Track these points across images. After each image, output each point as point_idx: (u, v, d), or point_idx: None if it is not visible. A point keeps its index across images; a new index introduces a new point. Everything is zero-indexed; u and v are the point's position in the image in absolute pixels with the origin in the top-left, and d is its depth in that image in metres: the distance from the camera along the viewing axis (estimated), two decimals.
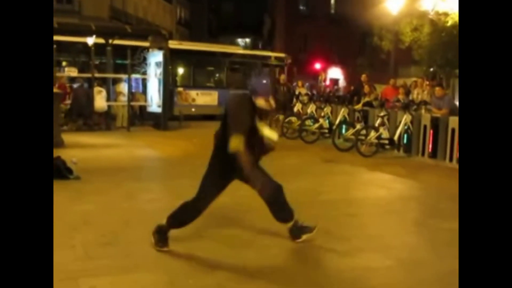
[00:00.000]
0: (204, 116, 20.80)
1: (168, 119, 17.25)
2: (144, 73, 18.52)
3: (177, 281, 4.32)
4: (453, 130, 11.25)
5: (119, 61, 19.46)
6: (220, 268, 4.59)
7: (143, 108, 18.84)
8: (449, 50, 24.05)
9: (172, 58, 17.96)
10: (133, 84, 18.62)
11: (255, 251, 5.08)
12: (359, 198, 7.61)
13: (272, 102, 4.74)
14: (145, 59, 18.52)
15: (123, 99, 17.55)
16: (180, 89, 20.67)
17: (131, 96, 17.49)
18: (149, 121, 17.94)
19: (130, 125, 16.69)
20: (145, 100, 18.33)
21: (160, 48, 17.16)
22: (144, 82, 18.99)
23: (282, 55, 23.88)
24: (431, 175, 10.11)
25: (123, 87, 17.73)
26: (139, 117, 18.97)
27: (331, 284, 4.37)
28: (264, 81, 4.79)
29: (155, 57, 17.58)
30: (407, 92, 15.20)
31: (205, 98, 21.35)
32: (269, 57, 23.67)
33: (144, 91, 18.86)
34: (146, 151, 12.18)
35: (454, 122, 11.28)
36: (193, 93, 21.06)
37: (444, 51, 24.45)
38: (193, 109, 20.73)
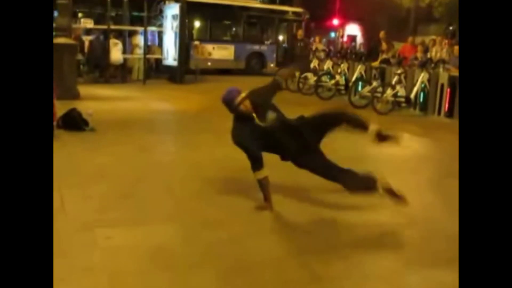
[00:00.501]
0: (220, 70, 20.73)
1: (184, 72, 17.20)
2: (160, 26, 18.41)
3: (191, 233, 4.37)
4: None
5: (135, 14, 19.33)
6: (234, 223, 4.64)
7: (159, 61, 18.79)
8: None
9: (188, 11, 17.79)
10: (149, 37, 18.51)
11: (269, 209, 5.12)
12: (373, 155, 7.59)
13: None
14: (161, 11, 18.38)
15: (139, 51, 17.49)
16: (197, 42, 20.54)
17: (147, 49, 17.42)
18: (165, 75, 17.90)
19: (146, 78, 16.67)
20: (161, 53, 18.26)
21: (177, 1, 17.01)
22: (160, 35, 18.88)
23: (300, 10, 23.55)
24: (447, 134, 10.04)
25: (139, 40, 17.65)
26: (155, 70, 18.95)
27: (343, 240, 4.41)
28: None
29: (172, 10, 17.42)
30: (426, 50, 14.98)
31: (221, 52, 21.22)
32: (287, 12, 23.35)
33: (160, 44, 18.78)
34: (162, 104, 12.20)
35: None
36: (209, 47, 20.90)
37: None
38: (209, 63, 20.62)
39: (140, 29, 17.59)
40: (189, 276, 3.62)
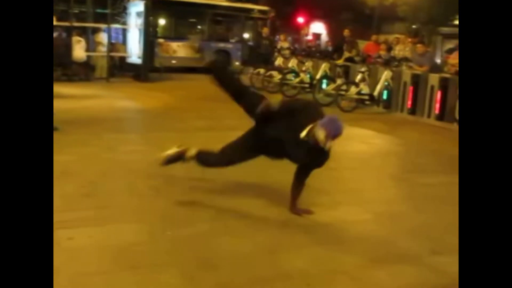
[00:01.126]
0: (186, 69, 20.62)
1: (149, 70, 17.06)
2: (125, 23, 18.22)
3: (155, 232, 4.34)
4: (432, 87, 11.32)
5: (99, 10, 19.08)
6: (199, 221, 4.62)
7: (123, 59, 18.59)
8: (433, 8, 23.99)
9: (153, 8, 17.66)
10: (113, 34, 18.30)
11: (236, 203, 5.11)
12: (339, 152, 7.61)
13: (328, 144, 4.31)
14: (125, 8, 18.19)
15: (103, 49, 17.27)
16: (161, 40, 20.39)
17: (111, 46, 17.22)
18: (129, 72, 17.72)
19: (110, 76, 16.48)
20: (125, 51, 18.09)
21: None
22: (125, 32, 18.70)
23: (265, 8, 23.57)
24: (410, 131, 10.20)
25: (103, 37, 17.42)
26: (119, 68, 18.73)
27: (310, 236, 4.43)
28: (339, 123, 4.35)
29: (136, 7, 17.26)
30: (389, 49, 15.17)
31: (186, 50, 21.12)
32: (253, 10, 23.34)
33: (124, 42, 18.60)
34: (126, 103, 12.07)
35: (434, 79, 11.34)
36: (174, 44, 20.79)
37: (429, 8, 24.38)
38: (174, 61, 20.49)
39: (103, 26, 17.37)
40: (154, 275, 3.58)
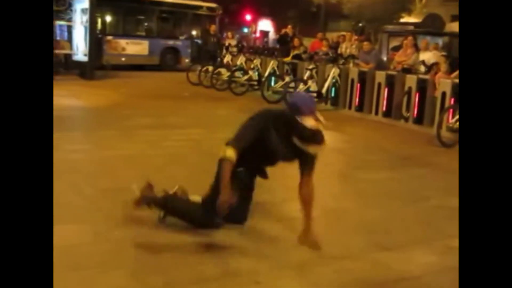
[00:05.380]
0: (134, 66, 20.43)
1: (96, 68, 16.77)
2: (69, 20, 17.85)
3: (100, 232, 4.25)
4: (379, 85, 11.48)
5: None
6: (145, 221, 4.53)
7: (68, 57, 18.22)
8: (378, 6, 24.35)
9: (100, 5, 17.42)
10: (58, 31, 17.91)
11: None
12: None
13: (321, 120, 3.84)
14: (70, 5, 17.81)
15: None
16: (109, 37, 20.11)
17: (55, 43, 16.83)
18: (74, 70, 17.38)
19: (54, 74, 16.10)
20: (70, 48, 17.74)
21: None
22: (70, 29, 18.32)
23: (213, 5, 23.51)
24: (357, 128, 10.32)
25: None
26: (64, 65, 18.34)
27: (256, 234, 4.41)
28: (307, 96, 3.86)
29: (81, 4, 16.95)
30: (333, 46, 15.36)
31: (135, 48, 20.91)
32: (201, 7, 23.25)
33: (70, 39, 18.22)
34: (71, 101, 11.82)
35: (380, 76, 11.50)
36: (122, 42, 20.56)
37: (373, 6, 24.73)
38: (123, 59, 20.29)
39: None
40: (99, 275, 3.51)
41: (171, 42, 21.97)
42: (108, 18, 21.58)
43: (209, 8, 23.25)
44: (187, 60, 21.39)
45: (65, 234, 4.15)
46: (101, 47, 19.47)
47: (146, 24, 22.57)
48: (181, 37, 22.53)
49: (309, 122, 3.74)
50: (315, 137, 3.77)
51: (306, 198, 4.16)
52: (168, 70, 20.22)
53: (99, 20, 20.47)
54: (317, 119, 3.79)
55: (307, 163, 4.14)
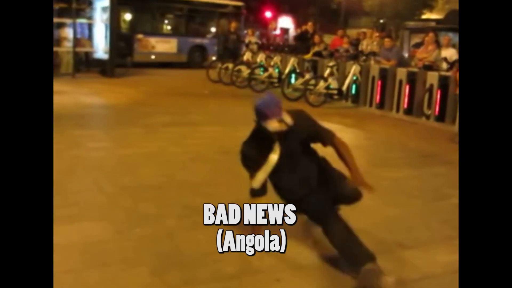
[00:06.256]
0: (163, 64, 20.66)
1: (117, 66, 16.88)
2: (90, 18, 17.98)
3: (122, 230, 4.27)
4: (400, 82, 11.40)
5: (63, 5, 18.78)
6: (167, 218, 4.56)
7: (89, 54, 18.36)
8: (399, 2, 24.18)
9: (130, 4, 17.77)
10: (78, 29, 18.05)
11: (203, 200, 5.06)
12: None
13: (286, 118, 3.78)
14: (91, 3, 17.94)
15: (68, 44, 17.00)
16: (140, 36, 20.34)
17: (76, 41, 16.96)
18: (95, 68, 17.51)
19: (76, 71, 16.24)
20: (91, 46, 17.87)
21: None
22: (90, 27, 18.45)
23: (239, 3, 23.67)
24: (378, 126, 10.26)
25: (68, 32, 17.15)
26: (85, 63, 18.48)
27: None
28: (269, 99, 3.78)
29: (101, 2, 17.05)
30: (352, 43, 15.28)
31: (164, 46, 21.14)
32: (227, 5, 23.39)
33: (90, 37, 18.35)
34: (92, 99, 11.91)
35: (401, 73, 11.42)
36: (152, 40, 20.79)
37: (395, 3, 24.57)
38: (152, 57, 20.64)
39: (68, 21, 17.10)
40: (122, 273, 3.53)
41: (198, 40, 22.25)
42: (138, 17, 21.74)
43: (235, 7, 23.42)
44: (214, 58, 21.52)
45: (86, 231, 4.20)
46: (132, 46, 19.75)
47: (174, 22, 22.80)
48: (208, 35, 22.76)
49: (271, 125, 3.74)
50: (282, 137, 3.84)
51: (345, 152, 4.44)
52: (195, 68, 20.48)
53: (129, 19, 20.93)
54: (281, 120, 3.75)
55: (319, 138, 4.42)
